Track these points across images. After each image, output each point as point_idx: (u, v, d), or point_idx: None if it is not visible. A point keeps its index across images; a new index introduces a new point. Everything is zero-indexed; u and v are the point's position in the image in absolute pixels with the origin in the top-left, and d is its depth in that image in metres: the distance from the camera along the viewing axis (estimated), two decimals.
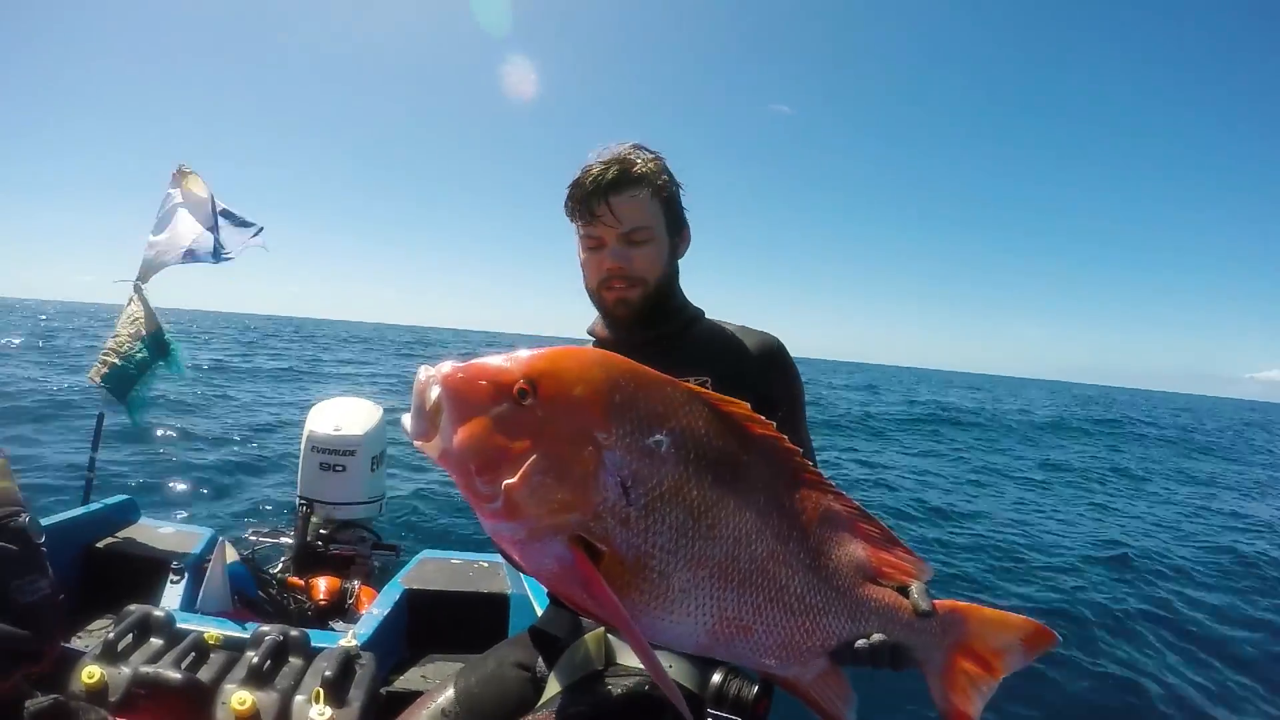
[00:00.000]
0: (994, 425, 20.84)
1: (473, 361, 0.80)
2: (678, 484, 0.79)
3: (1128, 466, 14.89)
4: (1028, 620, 0.96)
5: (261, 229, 3.29)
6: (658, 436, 0.79)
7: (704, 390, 0.86)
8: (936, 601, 0.92)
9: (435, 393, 0.77)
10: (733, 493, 0.83)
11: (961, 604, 0.95)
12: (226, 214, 3.23)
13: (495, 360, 0.80)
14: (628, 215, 1.33)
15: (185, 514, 5.40)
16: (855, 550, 0.91)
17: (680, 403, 0.83)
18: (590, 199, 1.33)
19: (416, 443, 0.78)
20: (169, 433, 8.58)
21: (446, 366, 0.79)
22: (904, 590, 0.92)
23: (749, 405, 0.87)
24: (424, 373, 0.79)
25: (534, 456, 0.75)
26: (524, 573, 0.78)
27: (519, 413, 0.76)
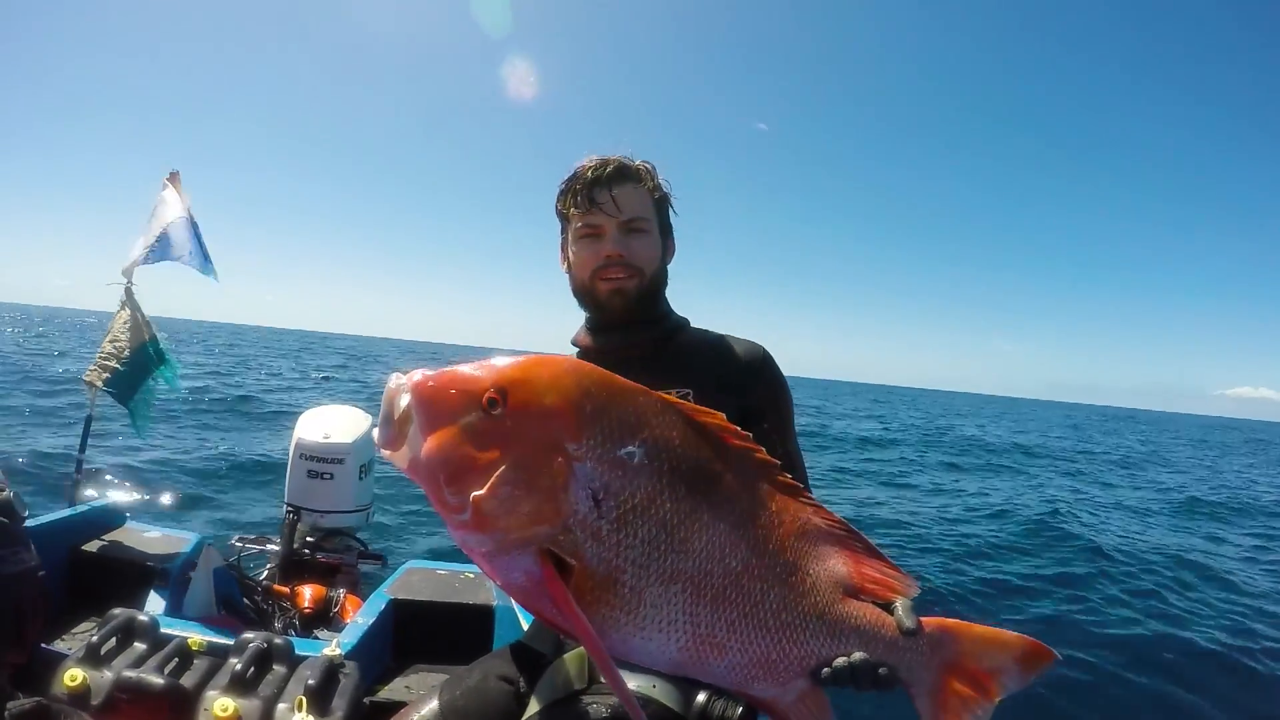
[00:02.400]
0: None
1: (443, 369, 0.78)
2: (650, 496, 0.77)
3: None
4: (1024, 638, 0.92)
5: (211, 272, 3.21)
6: (630, 448, 0.78)
7: (679, 401, 0.84)
8: (924, 619, 0.88)
9: (405, 401, 0.76)
10: (707, 505, 0.80)
11: (951, 621, 0.91)
12: (195, 235, 3.15)
13: (466, 368, 0.78)
14: (628, 204, 1.36)
15: (171, 518, 5.37)
16: (835, 565, 0.88)
17: (654, 413, 0.81)
18: (592, 187, 1.36)
19: (384, 452, 0.77)
20: (156, 438, 8.54)
21: (417, 374, 0.77)
22: (888, 607, 0.89)
23: (725, 416, 0.85)
24: (394, 380, 0.77)
25: (503, 467, 0.73)
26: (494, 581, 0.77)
27: (488, 422, 0.74)
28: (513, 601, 2.26)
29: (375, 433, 0.78)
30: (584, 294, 1.43)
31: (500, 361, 0.79)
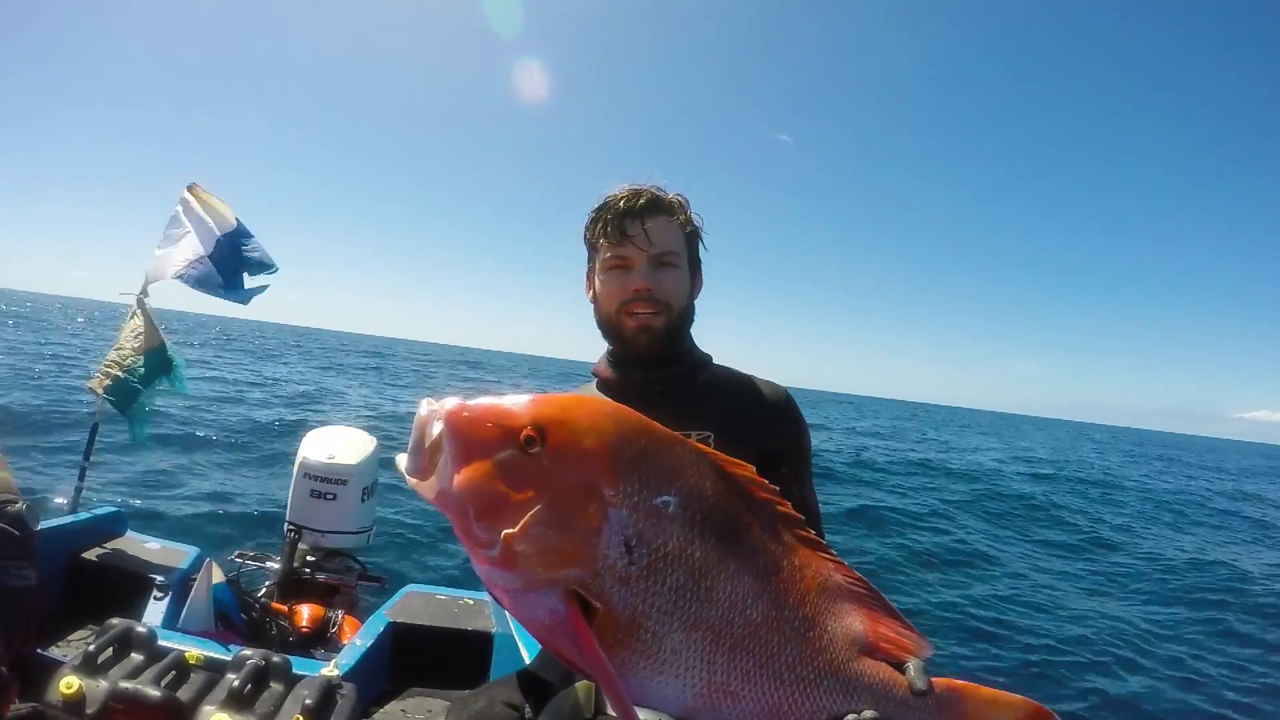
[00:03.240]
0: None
1: (479, 401, 0.77)
2: (681, 546, 0.77)
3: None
4: (1025, 700, 0.93)
5: (274, 270, 3.27)
6: (665, 496, 0.78)
7: (712, 451, 0.84)
8: (934, 679, 0.89)
9: (437, 429, 0.75)
10: (734, 556, 0.81)
11: (959, 682, 0.92)
12: (245, 247, 3.20)
13: (503, 402, 0.77)
14: (659, 238, 1.34)
15: (172, 530, 5.36)
16: (852, 622, 0.89)
17: (689, 462, 0.81)
18: (624, 218, 1.34)
19: (411, 480, 0.76)
20: (160, 447, 8.55)
21: (451, 403, 0.76)
22: (900, 666, 0.89)
23: (754, 468, 0.86)
24: (426, 407, 0.76)
25: (537, 507, 0.72)
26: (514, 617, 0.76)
27: (524, 460, 0.74)
28: (513, 629, 2.25)
29: (402, 460, 0.77)
30: (609, 326, 1.42)
31: (537, 398, 0.78)
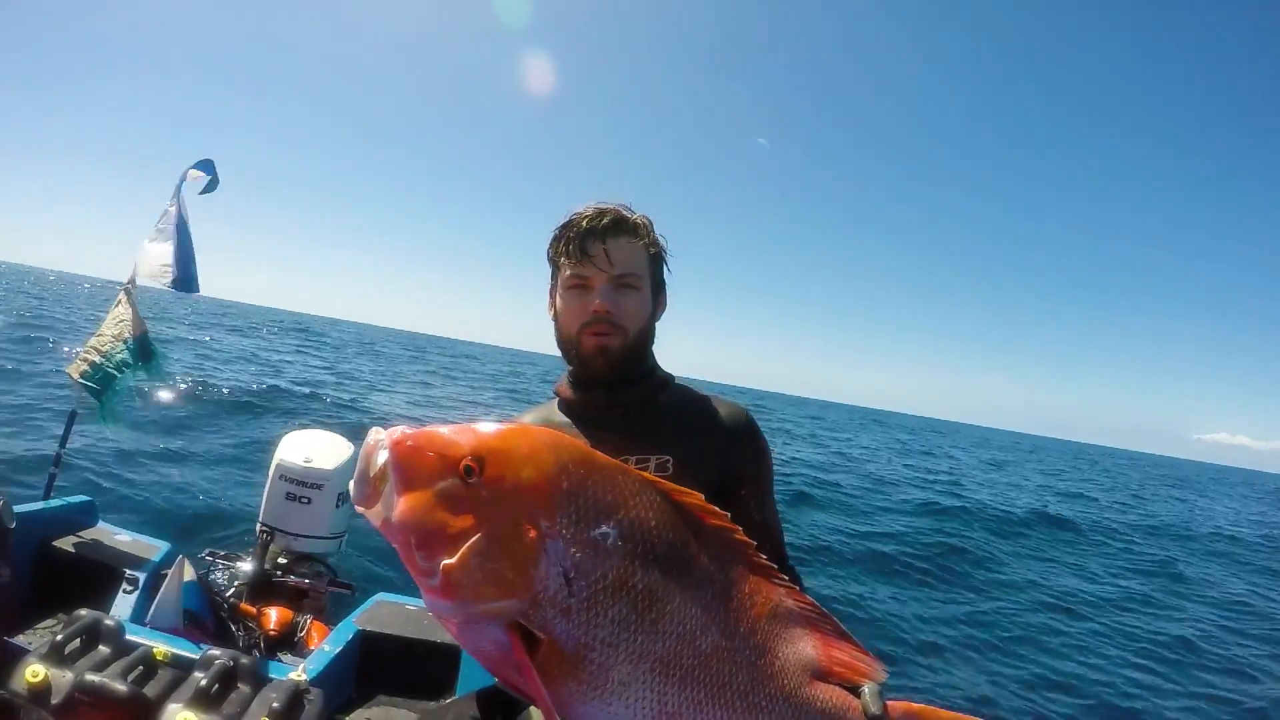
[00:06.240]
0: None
1: (424, 429, 0.77)
2: (622, 577, 0.77)
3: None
4: None
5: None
6: (604, 528, 0.77)
7: (658, 480, 0.84)
8: (890, 703, 0.89)
9: (381, 458, 0.75)
10: (679, 587, 0.80)
11: (917, 706, 0.92)
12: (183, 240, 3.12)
13: (446, 431, 0.77)
14: (621, 259, 1.32)
15: (142, 523, 5.30)
16: (804, 647, 0.88)
17: (631, 493, 0.81)
18: (586, 238, 1.31)
19: (358, 507, 0.76)
20: (137, 438, 8.44)
21: (396, 432, 0.76)
22: (856, 690, 0.89)
23: (703, 496, 0.85)
24: (373, 435, 0.77)
25: (475, 537, 0.72)
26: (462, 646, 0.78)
27: (463, 490, 0.74)
28: None
29: (351, 486, 0.78)
30: (568, 347, 1.39)
31: (482, 428, 0.79)
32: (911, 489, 14.89)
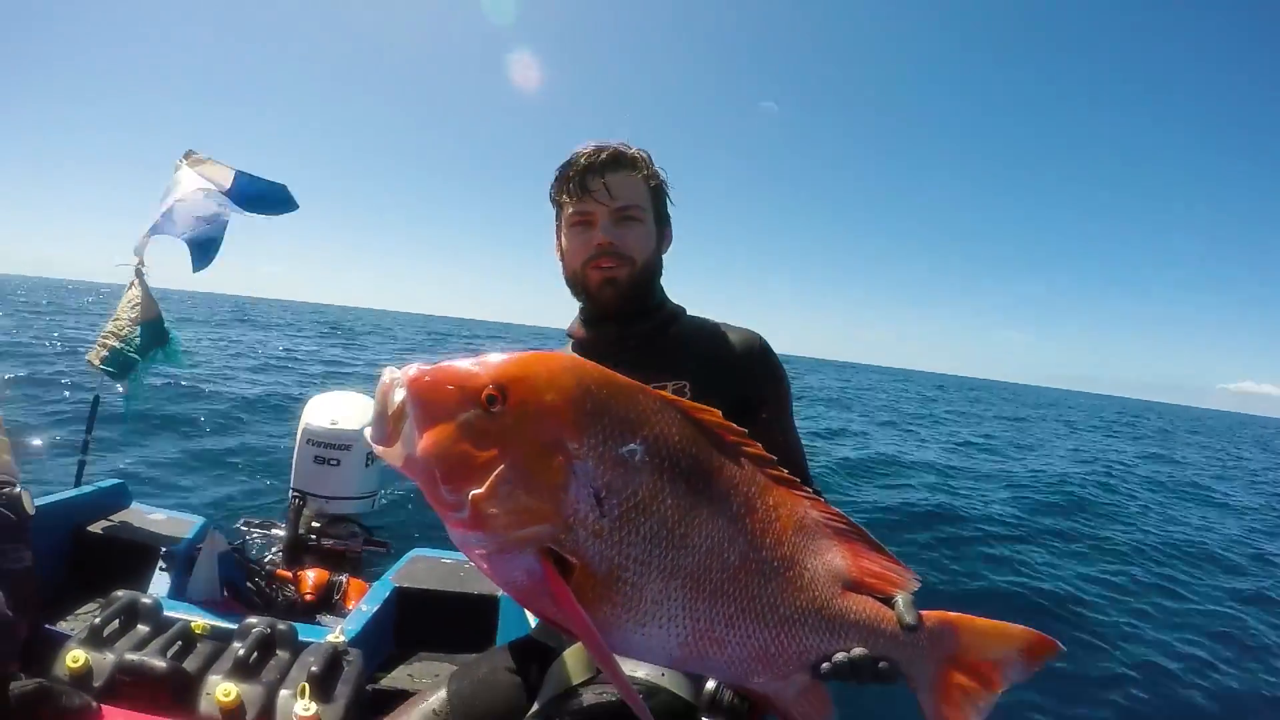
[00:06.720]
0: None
1: (439, 364, 0.77)
2: (651, 494, 0.76)
3: None
4: (1026, 630, 0.91)
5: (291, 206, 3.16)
6: (631, 445, 0.77)
7: (677, 398, 0.83)
8: (925, 613, 0.88)
9: (399, 396, 0.74)
10: (706, 501, 0.80)
11: (953, 615, 0.90)
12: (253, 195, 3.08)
13: (463, 364, 0.77)
14: (621, 192, 1.34)
15: (176, 500, 5.39)
16: (834, 559, 0.87)
17: (653, 410, 0.80)
18: (585, 174, 1.34)
19: (377, 449, 0.75)
20: (164, 418, 8.56)
21: (412, 369, 0.76)
22: (889, 601, 0.88)
23: (721, 413, 0.85)
24: (388, 375, 0.76)
25: (502, 466, 0.72)
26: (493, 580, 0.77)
27: (487, 420, 0.73)
28: None
29: (367, 430, 0.77)
30: (575, 283, 1.42)
31: (497, 357, 0.78)
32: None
